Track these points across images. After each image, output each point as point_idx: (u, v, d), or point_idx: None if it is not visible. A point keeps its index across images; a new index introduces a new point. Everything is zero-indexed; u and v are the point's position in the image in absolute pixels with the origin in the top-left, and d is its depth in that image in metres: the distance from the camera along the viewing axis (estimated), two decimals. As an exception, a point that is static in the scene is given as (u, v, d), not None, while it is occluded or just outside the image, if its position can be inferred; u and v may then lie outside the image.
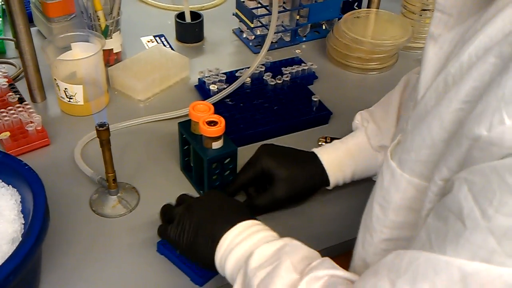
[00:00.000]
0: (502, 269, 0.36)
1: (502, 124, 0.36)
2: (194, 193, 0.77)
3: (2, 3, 1.18)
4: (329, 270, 0.51)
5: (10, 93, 0.91)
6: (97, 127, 0.68)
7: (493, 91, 0.38)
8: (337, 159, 0.76)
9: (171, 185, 0.80)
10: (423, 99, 0.48)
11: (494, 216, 0.36)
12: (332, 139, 0.87)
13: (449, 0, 0.49)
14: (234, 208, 0.65)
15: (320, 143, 0.87)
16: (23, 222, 0.63)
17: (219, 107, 0.89)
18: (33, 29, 0.89)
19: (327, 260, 0.54)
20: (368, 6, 1.20)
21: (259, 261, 0.55)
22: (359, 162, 0.77)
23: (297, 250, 0.56)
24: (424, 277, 0.40)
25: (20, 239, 0.61)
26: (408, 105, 0.60)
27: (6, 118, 0.84)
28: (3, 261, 0.55)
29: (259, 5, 1.09)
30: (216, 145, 0.73)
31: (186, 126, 0.77)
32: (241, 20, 1.12)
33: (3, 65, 1.02)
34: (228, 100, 0.92)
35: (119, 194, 0.76)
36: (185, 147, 0.79)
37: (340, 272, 0.52)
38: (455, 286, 0.38)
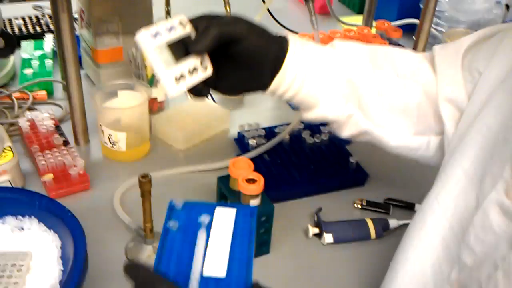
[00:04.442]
0: None
1: None
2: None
3: (54, 45, 1.23)
4: None
5: (56, 135, 0.94)
6: (140, 178, 0.69)
7: None
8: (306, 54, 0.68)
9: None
10: None
11: None
12: (368, 202, 0.87)
13: None
14: None
15: (356, 205, 0.87)
16: (62, 268, 0.64)
17: (256, 162, 0.89)
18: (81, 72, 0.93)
19: None
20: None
21: None
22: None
23: None
24: None
25: (58, 287, 0.62)
26: None
27: (50, 160, 0.87)
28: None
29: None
30: (254, 202, 0.74)
31: (224, 181, 0.78)
32: (282, 76, 1.14)
33: (51, 106, 1.06)
34: (266, 155, 0.94)
35: (154, 244, 0.77)
36: (222, 201, 0.80)
37: None
38: None
